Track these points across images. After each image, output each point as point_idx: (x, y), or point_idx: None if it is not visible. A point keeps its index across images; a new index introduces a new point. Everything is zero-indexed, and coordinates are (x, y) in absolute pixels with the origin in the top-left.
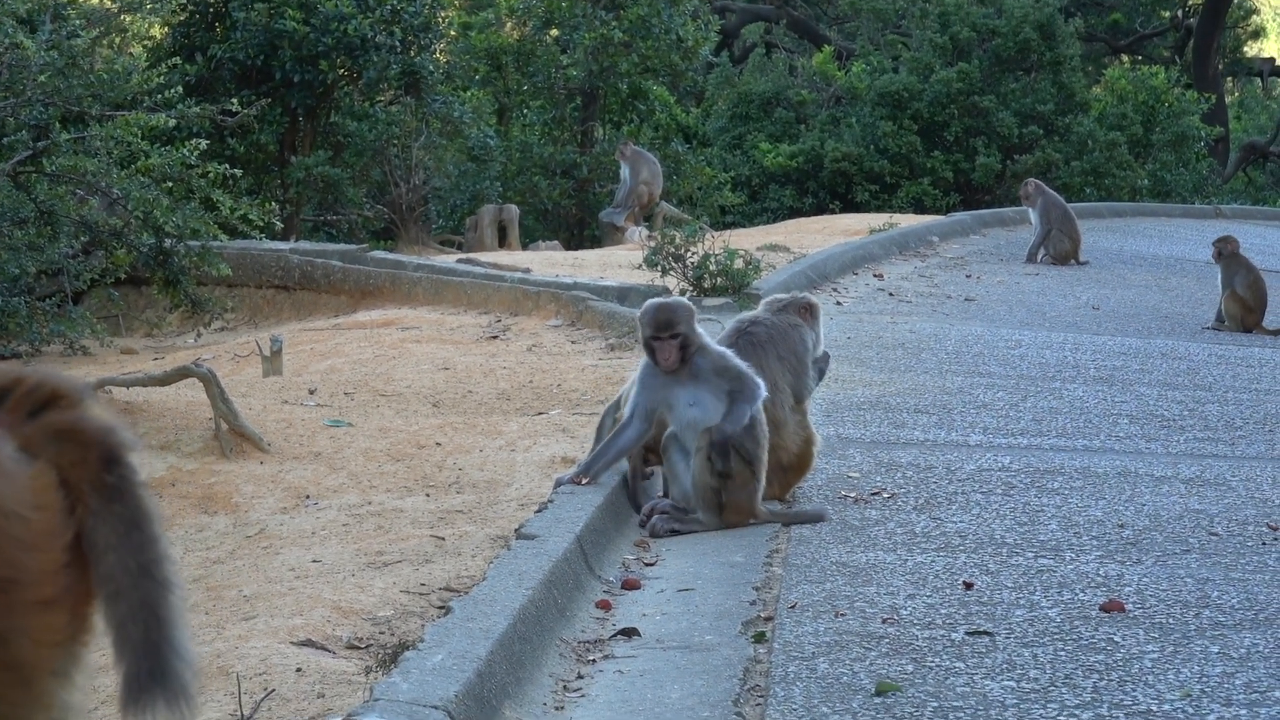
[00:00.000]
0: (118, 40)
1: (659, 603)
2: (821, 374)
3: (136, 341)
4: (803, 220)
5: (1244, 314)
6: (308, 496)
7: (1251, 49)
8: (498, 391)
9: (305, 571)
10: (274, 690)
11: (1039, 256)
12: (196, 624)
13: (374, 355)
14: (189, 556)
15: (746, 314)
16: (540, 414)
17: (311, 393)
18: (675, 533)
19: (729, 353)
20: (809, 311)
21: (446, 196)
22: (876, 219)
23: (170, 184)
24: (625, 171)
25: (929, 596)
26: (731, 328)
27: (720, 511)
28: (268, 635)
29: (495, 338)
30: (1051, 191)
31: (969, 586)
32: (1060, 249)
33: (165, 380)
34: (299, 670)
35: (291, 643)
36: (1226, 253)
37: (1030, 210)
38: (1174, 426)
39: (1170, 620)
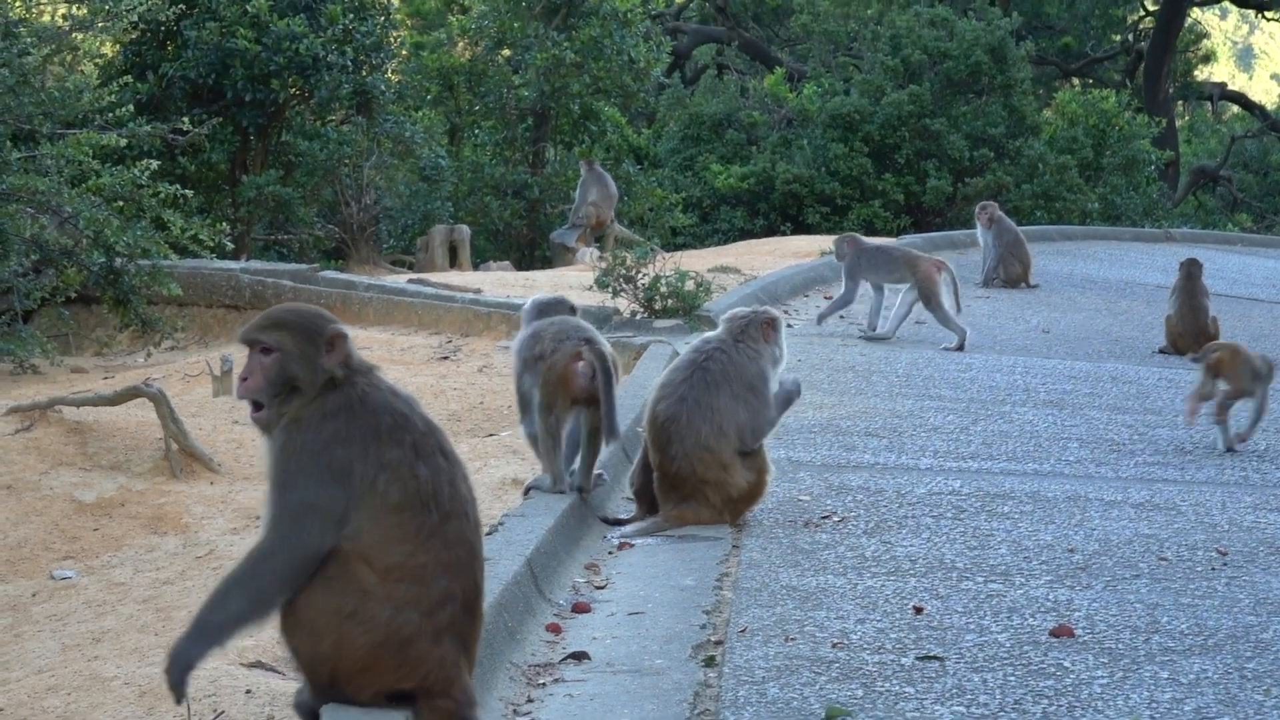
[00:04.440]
0: (69, 58)
1: (609, 626)
2: (788, 402)
3: (86, 360)
4: (754, 242)
5: (1175, 338)
6: (258, 517)
7: (1202, 73)
8: (448, 412)
9: None
10: (224, 712)
11: (994, 280)
12: (146, 645)
13: None
14: (138, 577)
15: (706, 337)
16: (491, 435)
17: None
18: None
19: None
20: (770, 327)
21: (397, 216)
22: (827, 241)
23: (121, 203)
24: (580, 191)
25: (879, 621)
26: (687, 358)
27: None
28: (217, 657)
29: (446, 358)
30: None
31: (919, 611)
32: (1011, 272)
33: (115, 400)
34: (248, 692)
35: (241, 664)
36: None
37: (983, 232)
38: (1124, 451)
39: (1119, 646)
